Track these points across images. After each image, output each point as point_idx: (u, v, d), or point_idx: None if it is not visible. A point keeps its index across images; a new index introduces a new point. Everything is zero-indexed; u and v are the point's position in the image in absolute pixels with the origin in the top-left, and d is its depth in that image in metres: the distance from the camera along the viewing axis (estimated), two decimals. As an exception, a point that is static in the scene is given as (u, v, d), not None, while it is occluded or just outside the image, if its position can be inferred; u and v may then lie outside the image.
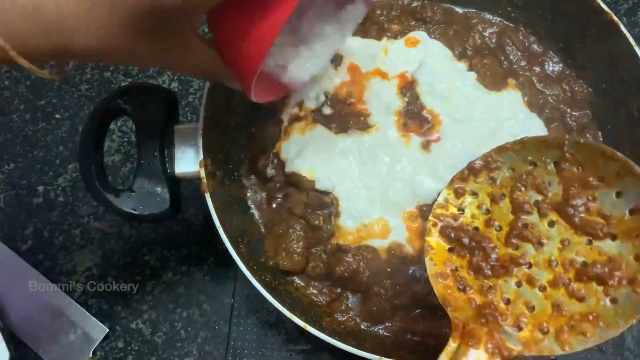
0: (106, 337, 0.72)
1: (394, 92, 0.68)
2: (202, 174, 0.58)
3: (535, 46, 0.74)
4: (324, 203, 0.66)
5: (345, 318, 0.63)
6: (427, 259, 0.50)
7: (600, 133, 0.69)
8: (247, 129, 0.71)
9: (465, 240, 0.51)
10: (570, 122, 0.69)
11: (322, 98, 0.69)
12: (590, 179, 0.47)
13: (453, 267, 0.50)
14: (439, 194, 0.54)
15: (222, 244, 0.58)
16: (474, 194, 0.52)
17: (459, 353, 0.44)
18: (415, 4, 0.75)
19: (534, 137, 0.51)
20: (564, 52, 0.71)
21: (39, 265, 0.75)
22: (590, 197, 0.47)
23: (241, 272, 0.57)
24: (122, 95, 0.59)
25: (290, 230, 0.65)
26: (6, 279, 0.74)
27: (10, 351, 0.69)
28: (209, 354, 0.71)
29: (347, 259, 0.63)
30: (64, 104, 0.84)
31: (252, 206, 0.69)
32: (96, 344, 0.71)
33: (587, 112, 0.70)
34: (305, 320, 0.56)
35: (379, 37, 0.72)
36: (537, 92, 0.70)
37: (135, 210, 0.57)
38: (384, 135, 0.66)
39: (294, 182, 0.67)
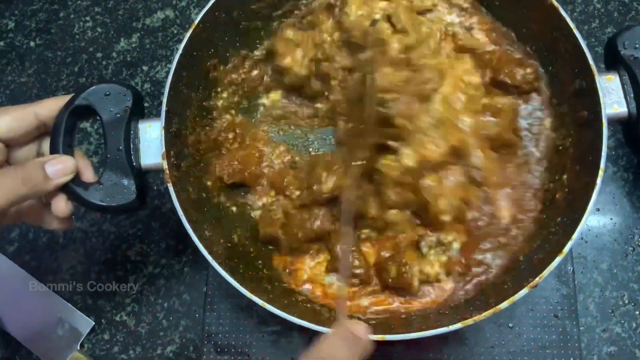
0: (92, 330, 0.75)
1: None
2: (165, 165, 0.60)
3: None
4: None
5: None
6: None
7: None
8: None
9: None
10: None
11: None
12: None
13: None
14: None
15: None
16: None
17: None
18: None
19: None
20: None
21: (25, 265, 0.78)
22: None
23: (212, 259, 0.59)
24: (88, 95, 0.62)
25: None
26: (-4, 280, 0.77)
27: (1, 349, 0.73)
28: (191, 340, 0.73)
29: None
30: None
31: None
32: (83, 337, 0.74)
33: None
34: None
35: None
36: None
37: (103, 202, 0.59)
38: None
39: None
